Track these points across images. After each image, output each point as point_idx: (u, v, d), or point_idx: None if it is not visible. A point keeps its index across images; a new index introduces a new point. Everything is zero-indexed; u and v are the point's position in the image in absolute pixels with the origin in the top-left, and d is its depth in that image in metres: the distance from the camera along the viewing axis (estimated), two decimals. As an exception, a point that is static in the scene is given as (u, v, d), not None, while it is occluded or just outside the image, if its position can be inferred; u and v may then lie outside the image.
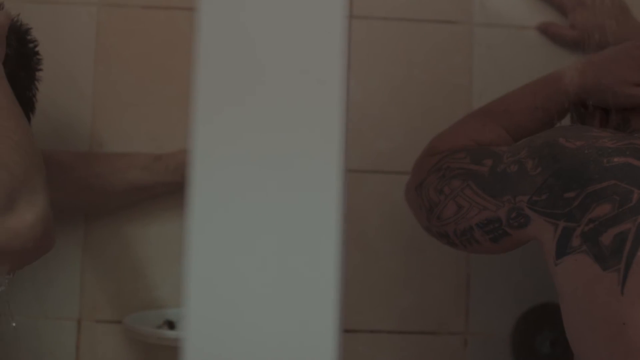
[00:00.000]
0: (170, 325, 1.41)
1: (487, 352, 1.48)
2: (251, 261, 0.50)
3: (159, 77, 1.48)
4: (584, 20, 1.48)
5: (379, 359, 1.47)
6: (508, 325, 1.48)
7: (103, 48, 1.48)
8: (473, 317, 1.48)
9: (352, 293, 1.45)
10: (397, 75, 1.50)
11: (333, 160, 0.50)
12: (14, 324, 1.35)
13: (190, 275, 0.50)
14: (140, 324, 1.38)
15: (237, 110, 0.51)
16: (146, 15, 1.49)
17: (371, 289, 1.47)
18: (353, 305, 1.45)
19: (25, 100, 1.19)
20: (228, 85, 0.51)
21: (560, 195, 1.03)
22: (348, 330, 1.42)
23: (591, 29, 1.47)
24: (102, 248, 1.47)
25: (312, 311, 0.50)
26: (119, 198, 1.43)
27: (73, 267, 1.46)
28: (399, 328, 1.48)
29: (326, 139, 0.50)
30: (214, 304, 0.50)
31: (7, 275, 1.04)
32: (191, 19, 1.47)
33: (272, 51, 0.51)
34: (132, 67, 1.49)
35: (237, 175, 0.50)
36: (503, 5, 1.52)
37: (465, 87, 1.50)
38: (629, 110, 1.22)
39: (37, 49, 1.25)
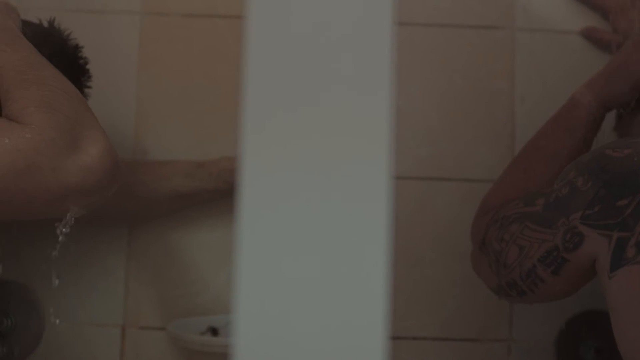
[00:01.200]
0: (214, 331, 1.41)
1: (531, 360, 1.48)
2: (300, 268, 0.50)
3: (201, 85, 1.49)
4: (626, 25, 1.47)
5: (422, 366, 1.47)
6: (552, 332, 1.47)
7: (146, 56, 1.49)
8: (517, 324, 1.47)
9: (395, 300, 1.44)
10: (439, 81, 1.50)
11: (382, 167, 0.50)
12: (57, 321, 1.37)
13: (240, 281, 0.50)
14: (184, 330, 1.39)
15: (285, 117, 0.51)
16: (188, 23, 1.50)
17: (415, 296, 1.47)
18: (397, 312, 1.44)
19: None
20: (277, 92, 0.51)
21: (612, 205, 1.01)
22: (392, 337, 1.41)
23: (634, 33, 1.46)
24: (146, 255, 1.48)
25: (361, 318, 0.50)
26: (162, 205, 1.44)
27: (117, 274, 1.47)
28: (443, 335, 1.47)
29: (375, 146, 0.50)
30: (263, 310, 0.50)
31: (91, 208, 1.06)
32: (233, 26, 1.48)
33: (320, 58, 0.51)
34: (175, 75, 1.49)
35: (285, 182, 0.50)
36: (545, 9, 1.51)
37: (507, 92, 1.49)
38: None
39: (87, 66, 1.28)
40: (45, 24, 1.28)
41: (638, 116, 1.26)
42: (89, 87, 1.29)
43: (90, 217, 1.19)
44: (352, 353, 0.50)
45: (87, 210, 1.05)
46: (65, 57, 1.24)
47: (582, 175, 1.06)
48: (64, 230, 1.12)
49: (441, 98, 1.49)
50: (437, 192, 1.47)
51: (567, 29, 1.51)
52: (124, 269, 1.47)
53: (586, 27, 1.50)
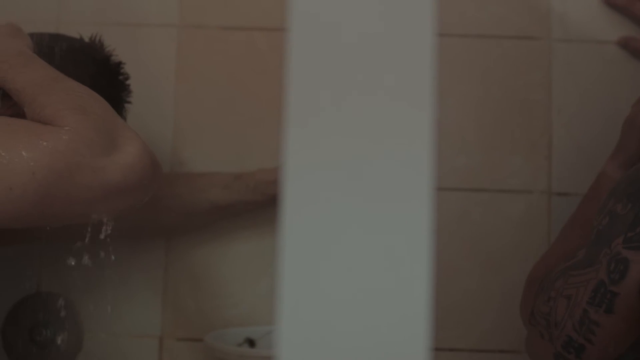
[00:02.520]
0: (251, 343, 1.42)
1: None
2: (343, 279, 0.50)
3: (238, 97, 1.50)
4: (664, 34, 1.46)
5: (460, 377, 1.46)
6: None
7: (183, 68, 1.50)
8: None
9: (432, 311, 1.44)
10: (475, 92, 1.49)
11: (424, 179, 0.50)
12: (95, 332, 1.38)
13: (283, 292, 0.51)
14: (221, 341, 1.39)
15: (328, 129, 0.51)
16: (225, 35, 1.51)
17: (452, 307, 1.46)
18: (434, 323, 1.44)
19: None
20: (319, 104, 0.51)
21: None
22: (429, 349, 1.41)
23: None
24: (183, 266, 1.49)
25: (404, 329, 0.50)
26: (200, 217, 1.45)
27: (155, 285, 1.48)
28: (480, 347, 1.47)
29: (417, 157, 0.50)
30: (306, 321, 0.51)
31: (134, 208, 1.06)
32: (270, 38, 1.48)
33: (363, 69, 0.52)
34: (212, 87, 1.50)
35: (328, 194, 0.51)
36: (582, 20, 1.50)
37: (544, 103, 1.48)
38: None
39: (128, 82, 1.29)
40: (87, 40, 1.29)
41: None
42: (129, 102, 1.30)
43: (128, 229, 1.21)
44: (393, 364, 0.50)
45: (130, 211, 1.06)
46: (107, 73, 1.25)
47: (620, 201, 1.02)
48: (105, 232, 1.12)
49: (477, 109, 1.49)
50: (473, 203, 1.47)
51: (604, 39, 1.50)
52: (161, 280, 1.48)
53: (623, 36, 1.49)
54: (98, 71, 1.20)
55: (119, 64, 1.30)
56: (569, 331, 1.06)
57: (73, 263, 1.42)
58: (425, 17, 0.51)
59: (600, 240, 1.04)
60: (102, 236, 1.20)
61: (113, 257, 1.38)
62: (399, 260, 0.50)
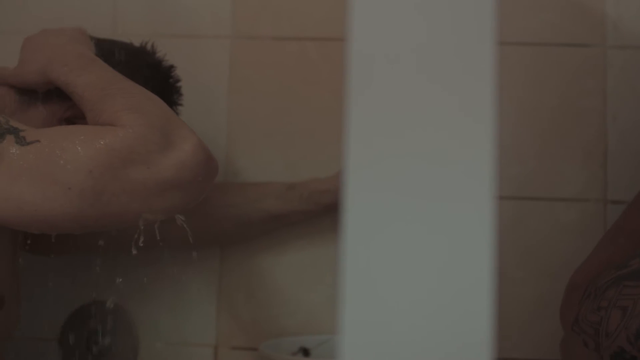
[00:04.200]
0: (305, 352, 1.42)
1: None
2: (405, 288, 0.50)
3: (291, 107, 1.50)
4: None
5: (515, 387, 1.45)
6: None
7: (237, 79, 1.51)
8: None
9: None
10: (529, 100, 1.49)
11: (486, 186, 0.50)
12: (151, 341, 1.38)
13: (345, 302, 0.51)
14: (275, 351, 1.39)
15: (389, 136, 0.51)
16: (278, 46, 1.51)
17: (506, 316, 1.45)
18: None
19: None
20: (380, 113, 0.52)
21: None
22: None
23: None
24: (238, 275, 1.49)
25: (467, 338, 0.50)
26: (254, 227, 1.45)
27: (209, 294, 1.49)
28: (535, 356, 1.45)
29: (479, 166, 0.50)
30: (368, 330, 0.51)
31: (191, 205, 1.08)
32: (322, 48, 1.49)
33: (423, 77, 0.52)
34: (265, 98, 1.51)
35: (390, 202, 0.51)
36: (636, 26, 1.49)
37: (599, 110, 1.47)
38: None
39: (178, 84, 1.30)
40: (138, 45, 1.31)
41: None
42: (180, 104, 1.32)
43: (183, 238, 1.22)
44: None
45: (184, 208, 1.07)
46: (159, 77, 1.27)
47: None
48: (161, 241, 1.14)
49: (532, 117, 1.48)
50: (528, 212, 1.46)
51: (659, 45, 1.48)
52: (216, 289, 1.49)
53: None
54: (150, 75, 1.22)
55: (170, 68, 1.31)
56: (622, 342, 1.04)
57: (129, 272, 1.43)
58: (486, 26, 0.51)
59: None
60: (157, 245, 1.21)
61: (168, 267, 1.39)
62: (462, 269, 0.50)
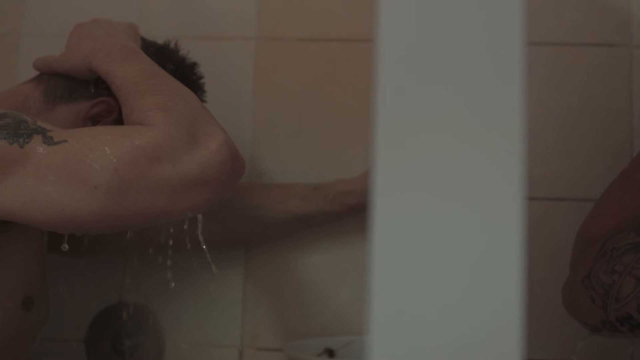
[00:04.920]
0: (331, 353, 1.42)
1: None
2: (434, 288, 0.50)
3: (316, 108, 1.51)
4: None
5: (540, 388, 1.45)
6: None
7: (261, 80, 1.52)
8: (639, 352, 1.43)
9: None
10: (553, 100, 1.48)
11: (515, 187, 0.50)
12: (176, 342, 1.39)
13: (373, 303, 0.51)
14: (300, 351, 1.39)
15: (418, 136, 0.51)
16: (302, 47, 1.52)
17: (531, 318, 1.44)
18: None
19: None
20: (408, 113, 0.52)
21: None
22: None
23: None
24: (263, 276, 1.50)
25: (497, 339, 0.50)
26: (279, 228, 1.46)
27: (235, 295, 1.49)
28: (560, 357, 1.45)
29: (507, 167, 0.50)
30: (396, 330, 0.51)
31: (214, 204, 1.08)
32: (347, 50, 1.49)
33: (451, 77, 0.52)
34: (290, 98, 1.51)
35: (419, 204, 0.51)
36: (663, 25, 1.48)
37: (625, 110, 1.46)
38: None
39: (201, 81, 1.31)
40: (162, 42, 1.32)
41: None
42: (204, 101, 1.32)
43: (208, 240, 1.22)
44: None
45: (209, 207, 1.07)
46: (182, 74, 1.28)
47: None
48: (186, 242, 1.14)
49: (557, 117, 1.48)
50: (554, 212, 1.45)
51: (686, 45, 1.47)
52: (241, 290, 1.49)
53: None
54: (173, 72, 1.23)
55: (193, 65, 1.32)
56: (630, 310, 1.07)
57: (154, 273, 1.44)
58: (515, 27, 0.51)
59: None
60: (183, 247, 1.21)
61: (193, 268, 1.40)
62: (492, 270, 0.50)
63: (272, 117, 1.51)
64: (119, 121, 1.19)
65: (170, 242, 1.29)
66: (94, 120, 1.22)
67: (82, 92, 1.22)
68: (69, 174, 0.99)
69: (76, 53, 1.21)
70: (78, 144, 1.00)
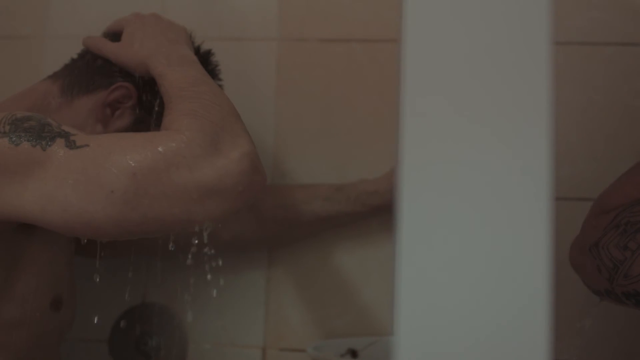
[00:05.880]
0: (354, 354, 1.42)
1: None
2: (461, 288, 0.50)
3: (338, 109, 1.51)
4: None
5: (565, 390, 1.44)
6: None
7: (284, 81, 1.52)
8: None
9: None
10: (578, 99, 1.47)
11: (543, 188, 0.50)
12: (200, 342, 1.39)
13: (400, 304, 0.51)
14: (323, 352, 1.39)
15: (444, 138, 0.51)
16: (325, 48, 1.52)
17: (556, 318, 1.44)
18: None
19: None
20: (434, 114, 0.51)
21: None
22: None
23: None
24: (286, 277, 1.50)
25: (524, 340, 0.49)
26: (302, 229, 1.46)
27: (258, 295, 1.49)
28: (584, 358, 1.44)
29: (535, 168, 0.50)
30: (423, 333, 0.51)
31: (229, 215, 1.07)
32: (370, 50, 1.49)
33: (477, 78, 0.52)
34: (312, 99, 1.51)
35: (446, 204, 0.50)
36: (688, 24, 1.47)
37: (650, 110, 1.46)
38: None
39: (218, 68, 1.31)
40: None
41: None
42: (220, 80, 1.33)
43: (232, 240, 1.22)
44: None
45: (226, 216, 1.06)
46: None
47: None
48: (209, 243, 1.14)
49: (581, 117, 1.47)
50: (579, 213, 1.44)
51: None
52: (264, 290, 1.50)
53: None
54: None
55: (208, 52, 1.32)
56: (638, 287, 1.06)
57: (177, 274, 1.44)
58: (542, 27, 0.50)
59: None
60: (206, 247, 1.21)
61: (217, 268, 1.40)
62: (519, 271, 0.49)
63: (294, 118, 1.51)
64: (138, 107, 1.20)
65: (195, 242, 1.29)
66: (113, 106, 1.23)
67: (100, 82, 1.23)
68: (87, 178, 0.99)
69: (136, 50, 1.23)
70: (99, 148, 1.01)
